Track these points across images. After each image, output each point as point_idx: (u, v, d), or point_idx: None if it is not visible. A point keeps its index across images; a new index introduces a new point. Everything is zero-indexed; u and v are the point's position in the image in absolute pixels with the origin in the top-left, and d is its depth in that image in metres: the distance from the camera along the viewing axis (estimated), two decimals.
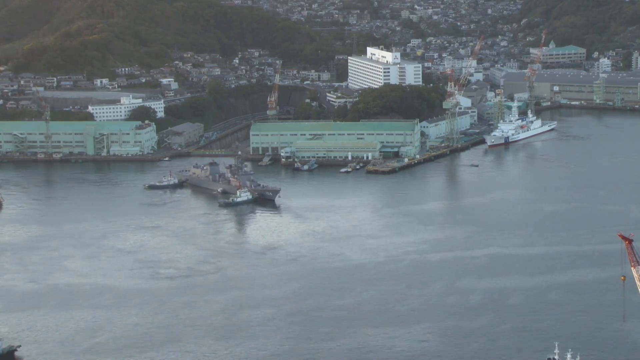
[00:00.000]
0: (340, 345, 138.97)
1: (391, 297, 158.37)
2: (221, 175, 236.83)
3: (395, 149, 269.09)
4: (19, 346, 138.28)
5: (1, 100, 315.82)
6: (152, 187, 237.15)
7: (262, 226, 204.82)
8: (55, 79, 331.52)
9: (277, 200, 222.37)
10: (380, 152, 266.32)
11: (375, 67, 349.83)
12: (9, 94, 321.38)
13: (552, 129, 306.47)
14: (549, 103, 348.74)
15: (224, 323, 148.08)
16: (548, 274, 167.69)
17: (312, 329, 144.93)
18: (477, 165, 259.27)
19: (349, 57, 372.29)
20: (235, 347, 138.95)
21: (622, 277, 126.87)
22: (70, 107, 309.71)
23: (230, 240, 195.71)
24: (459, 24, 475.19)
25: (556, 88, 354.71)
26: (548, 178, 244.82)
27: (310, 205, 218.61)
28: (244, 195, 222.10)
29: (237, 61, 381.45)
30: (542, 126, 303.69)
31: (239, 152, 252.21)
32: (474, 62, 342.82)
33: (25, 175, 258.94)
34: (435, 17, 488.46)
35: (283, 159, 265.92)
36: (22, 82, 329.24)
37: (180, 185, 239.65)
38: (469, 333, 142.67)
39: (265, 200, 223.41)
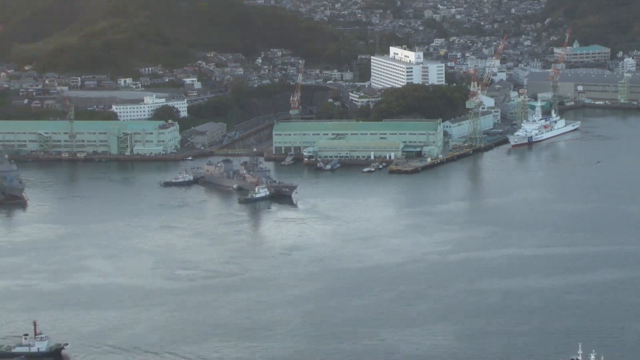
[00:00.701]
0: (359, 345, 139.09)
1: (411, 297, 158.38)
2: (235, 172, 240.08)
3: (418, 149, 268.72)
4: (66, 344, 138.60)
5: (26, 100, 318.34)
6: (167, 184, 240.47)
7: (284, 226, 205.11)
8: (79, 78, 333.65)
9: (294, 196, 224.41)
10: (402, 151, 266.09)
11: (398, 66, 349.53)
12: (34, 93, 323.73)
13: (575, 129, 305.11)
14: (572, 103, 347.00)
15: (244, 323, 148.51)
16: (568, 275, 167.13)
17: (331, 329, 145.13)
18: (599, 162, 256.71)
19: (371, 57, 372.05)
20: (256, 347, 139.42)
21: None
22: (94, 107, 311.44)
23: (251, 241, 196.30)
24: (482, 23, 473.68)
25: (580, 88, 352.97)
26: (571, 178, 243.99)
27: (332, 205, 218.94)
28: (262, 192, 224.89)
29: (260, 61, 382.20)
30: (565, 126, 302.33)
31: (254, 149, 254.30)
32: (497, 62, 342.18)
33: (49, 174, 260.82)
34: (458, 16, 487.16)
35: (305, 159, 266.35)
36: (46, 82, 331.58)
37: (195, 181, 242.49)
38: (488, 334, 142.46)
39: (282, 197, 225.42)
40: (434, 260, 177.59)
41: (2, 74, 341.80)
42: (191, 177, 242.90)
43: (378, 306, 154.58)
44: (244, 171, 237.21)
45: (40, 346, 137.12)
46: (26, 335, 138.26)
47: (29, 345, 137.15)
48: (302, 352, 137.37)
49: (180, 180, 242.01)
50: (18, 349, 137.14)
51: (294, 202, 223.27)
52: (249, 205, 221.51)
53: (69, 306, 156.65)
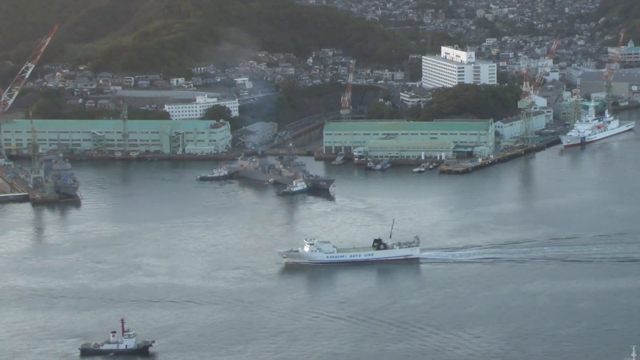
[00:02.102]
0: (404, 346, 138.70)
1: (459, 299, 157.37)
2: (270, 166, 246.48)
3: (469, 149, 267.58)
4: (153, 341, 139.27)
5: (81, 99, 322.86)
6: (203, 179, 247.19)
7: (333, 225, 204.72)
8: (132, 78, 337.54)
9: (332, 190, 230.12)
10: (453, 152, 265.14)
11: (450, 66, 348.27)
12: (88, 93, 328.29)
13: (630, 129, 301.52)
14: (627, 103, 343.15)
15: (291, 323, 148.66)
16: (619, 278, 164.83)
17: (377, 330, 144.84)
18: None
19: (423, 57, 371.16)
20: (303, 347, 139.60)
21: None
22: (147, 106, 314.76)
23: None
24: (535, 22, 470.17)
25: (634, 88, 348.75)
26: (625, 179, 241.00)
27: (382, 205, 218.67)
28: (300, 185, 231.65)
29: (311, 60, 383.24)
30: (619, 126, 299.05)
31: (290, 144, 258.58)
32: (550, 62, 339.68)
33: (102, 173, 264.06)
34: (511, 16, 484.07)
35: (356, 159, 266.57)
36: (100, 82, 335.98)
37: (230, 176, 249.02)
38: (535, 335, 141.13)
39: (319, 190, 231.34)
40: (486, 261, 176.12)
41: (57, 73, 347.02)
42: (226, 172, 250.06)
43: (425, 307, 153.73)
44: (280, 166, 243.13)
45: (128, 343, 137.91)
46: (114, 332, 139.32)
47: (117, 343, 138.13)
48: (348, 353, 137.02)
49: (216, 175, 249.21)
50: (106, 347, 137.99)
51: (332, 194, 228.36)
52: (292, 203, 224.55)
53: (125, 304, 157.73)
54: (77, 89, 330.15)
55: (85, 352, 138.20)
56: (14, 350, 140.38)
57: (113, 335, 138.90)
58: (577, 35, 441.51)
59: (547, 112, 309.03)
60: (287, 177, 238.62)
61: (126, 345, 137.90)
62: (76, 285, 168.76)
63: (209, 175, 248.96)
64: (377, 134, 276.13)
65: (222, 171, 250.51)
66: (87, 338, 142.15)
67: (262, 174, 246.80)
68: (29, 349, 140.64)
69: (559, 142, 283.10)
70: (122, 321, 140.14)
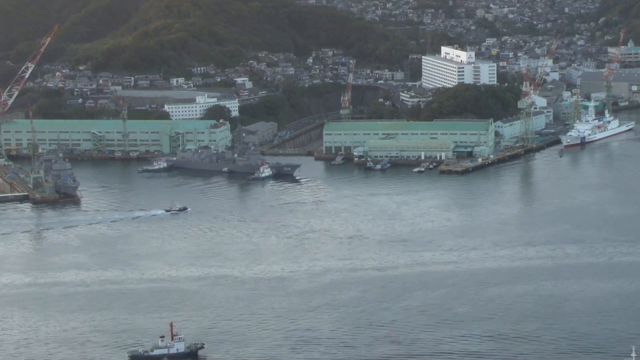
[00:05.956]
0: (392, 346, 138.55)
1: (453, 300, 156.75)
2: (219, 156, 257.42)
3: (469, 149, 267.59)
4: (204, 344, 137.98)
5: (80, 99, 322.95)
6: (145, 171, 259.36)
7: (334, 228, 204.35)
8: (132, 78, 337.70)
9: (297, 174, 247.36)
10: (453, 151, 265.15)
11: (450, 66, 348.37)
12: (88, 93, 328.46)
13: (630, 129, 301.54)
14: (626, 103, 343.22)
15: (286, 327, 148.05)
16: (613, 280, 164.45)
17: (368, 331, 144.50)
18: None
19: (423, 57, 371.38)
20: (297, 350, 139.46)
21: None
22: (147, 106, 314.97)
23: (299, 245, 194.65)
24: (535, 22, 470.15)
25: (634, 88, 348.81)
26: (625, 180, 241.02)
27: (382, 206, 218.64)
28: (266, 172, 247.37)
29: (311, 60, 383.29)
30: (619, 126, 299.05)
31: (243, 135, 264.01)
32: (550, 62, 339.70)
33: (102, 173, 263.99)
34: (510, 15, 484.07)
35: (356, 159, 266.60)
36: (100, 82, 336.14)
37: (169, 168, 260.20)
38: (532, 336, 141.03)
39: (284, 175, 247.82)
40: (483, 262, 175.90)
41: (57, 73, 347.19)
42: (165, 165, 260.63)
43: (417, 309, 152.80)
44: (236, 155, 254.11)
45: (179, 347, 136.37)
46: (162, 337, 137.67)
47: (167, 347, 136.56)
48: (342, 354, 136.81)
49: (156, 167, 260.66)
50: (157, 352, 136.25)
51: (296, 178, 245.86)
52: (256, 183, 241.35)
53: (111, 309, 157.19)
54: (77, 89, 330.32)
55: (135, 358, 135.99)
56: (60, 358, 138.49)
57: (162, 340, 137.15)
58: (577, 35, 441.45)
59: (547, 112, 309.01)
60: (244, 165, 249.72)
61: (177, 349, 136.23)
62: (90, 287, 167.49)
63: (149, 168, 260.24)
64: (377, 134, 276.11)
65: (161, 164, 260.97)
66: (115, 341, 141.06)
67: (211, 164, 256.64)
68: (80, 358, 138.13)
69: (559, 142, 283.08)
70: (172, 325, 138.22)
